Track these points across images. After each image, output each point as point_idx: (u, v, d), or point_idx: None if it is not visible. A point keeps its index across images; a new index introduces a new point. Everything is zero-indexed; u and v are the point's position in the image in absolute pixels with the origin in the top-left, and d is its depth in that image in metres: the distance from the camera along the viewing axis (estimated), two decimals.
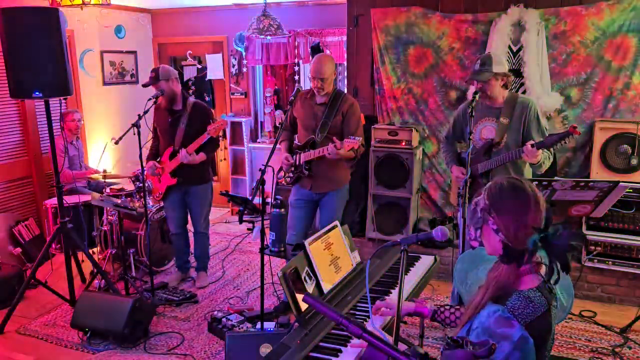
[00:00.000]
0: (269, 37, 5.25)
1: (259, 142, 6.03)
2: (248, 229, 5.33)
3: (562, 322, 3.38)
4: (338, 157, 3.13)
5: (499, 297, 1.42)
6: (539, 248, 1.38)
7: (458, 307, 1.83)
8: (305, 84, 5.74)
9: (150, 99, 3.54)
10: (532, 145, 2.74)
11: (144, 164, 3.58)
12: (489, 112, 3.03)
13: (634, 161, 3.65)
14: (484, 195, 1.50)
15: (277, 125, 5.91)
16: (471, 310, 1.48)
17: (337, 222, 2.43)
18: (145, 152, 3.78)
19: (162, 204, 4.12)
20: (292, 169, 3.40)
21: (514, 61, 3.94)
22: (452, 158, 3.35)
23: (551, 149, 2.88)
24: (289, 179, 3.45)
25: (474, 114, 2.94)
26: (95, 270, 3.83)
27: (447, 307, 1.84)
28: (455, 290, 3.19)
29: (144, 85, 3.74)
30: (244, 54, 5.77)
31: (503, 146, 2.99)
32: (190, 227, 4.06)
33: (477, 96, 2.93)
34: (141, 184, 3.80)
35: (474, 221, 1.52)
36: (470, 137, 2.93)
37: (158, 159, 3.86)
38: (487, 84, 2.93)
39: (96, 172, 4.65)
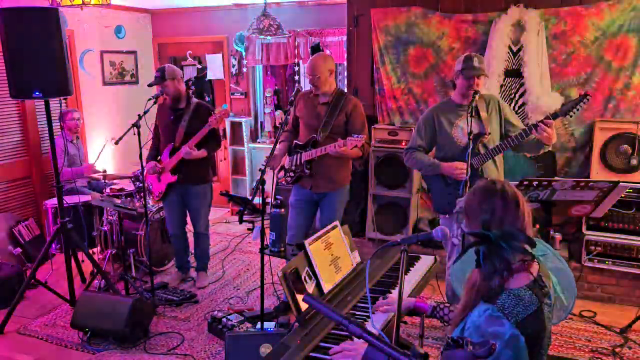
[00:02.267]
0: (269, 37, 5.25)
1: (259, 142, 6.02)
2: (248, 229, 5.33)
3: (562, 321, 3.39)
4: (343, 155, 3.12)
5: (491, 296, 1.42)
6: (485, 253, 1.39)
7: (457, 305, 1.83)
8: (305, 84, 5.74)
9: (150, 99, 3.54)
10: (549, 117, 2.72)
11: (144, 165, 3.59)
12: (464, 109, 2.97)
13: (634, 161, 3.65)
14: (465, 197, 1.52)
15: (277, 125, 5.91)
16: (460, 311, 1.48)
17: (337, 222, 2.43)
18: (145, 153, 3.78)
19: (162, 204, 4.11)
20: (293, 167, 3.40)
21: (514, 61, 3.94)
22: (434, 160, 3.11)
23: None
24: (290, 178, 3.44)
25: (447, 116, 3.03)
26: (95, 270, 3.83)
27: (447, 305, 1.85)
28: (450, 290, 3.20)
29: (150, 85, 3.74)
30: (244, 54, 5.77)
31: (489, 138, 3.00)
32: (190, 227, 4.07)
33: (476, 96, 2.92)
34: (141, 184, 3.81)
35: (456, 219, 1.54)
36: (453, 137, 3.00)
37: (158, 159, 3.86)
38: (481, 81, 2.95)
39: (93, 168, 4.61)
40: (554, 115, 2.75)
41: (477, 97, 2.92)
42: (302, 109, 3.40)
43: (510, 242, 1.37)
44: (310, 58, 3.30)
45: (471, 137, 2.84)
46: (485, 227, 1.42)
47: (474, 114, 2.90)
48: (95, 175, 4.55)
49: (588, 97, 2.71)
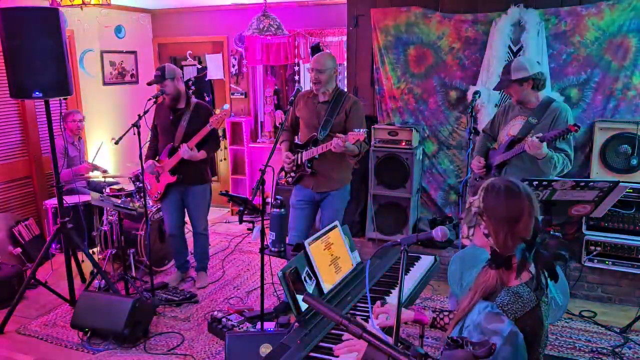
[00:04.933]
0: (269, 37, 5.25)
1: (259, 142, 6.03)
2: (248, 229, 5.34)
3: (561, 321, 3.39)
4: (343, 150, 3.12)
5: (490, 294, 1.43)
6: (526, 257, 1.39)
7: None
8: (306, 84, 5.74)
9: (150, 99, 3.54)
10: (536, 138, 2.74)
11: (143, 164, 3.58)
12: (523, 112, 3.06)
13: (634, 161, 3.65)
14: (479, 196, 1.49)
15: (277, 125, 5.92)
16: (462, 310, 1.48)
17: (337, 222, 2.43)
18: (145, 152, 3.78)
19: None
20: (294, 168, 3.40)
21: None
22: (479, 149, 3.29)
23: (569, 153, 2.91)
24: (291, 179, 3.44)
25: (508, 113, 3.09)
26: (95, 270, 3.83)
27: (446, 314, 1.83)
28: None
29: (149, 84, 3.73)
30: (244, 54, 5.77)
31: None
32: (189, 227, 4.07)
33: (476, 97, 2.95)
34: (141, 184, 3.80)
35: (467, 220, 1.52)
36: (501, 134, 3.07)
37: (157, 158, 3.86)
38: (511, 90, 2.98)
39: (91, 166, 4.61)
40: (540, 138, 2.76)
41: (477, 97, 2.95)
42: (302, 109, 3.41)
43: (548, 248, 1.39)
44: (318, 54, 3.31)
45: (471, 136, 2.86)
46: (533, 235, 1.42)
47: (473, 114, 2.91)
48: (95, 174, 4.54)
49: (572, 133, 2.70)
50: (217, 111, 3.61)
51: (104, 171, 4.56)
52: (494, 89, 3.07)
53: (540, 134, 2.78)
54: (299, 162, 3.36)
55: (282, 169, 3.49)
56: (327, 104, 3.29)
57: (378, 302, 1.98)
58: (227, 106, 3.57)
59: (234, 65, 5.91)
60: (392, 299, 2.19)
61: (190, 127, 3.70)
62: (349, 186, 3.46)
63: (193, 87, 6.14)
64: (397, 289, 1.74)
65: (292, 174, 3.42)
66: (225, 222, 5.76)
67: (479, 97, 3.11)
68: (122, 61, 5.84)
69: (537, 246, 1.40)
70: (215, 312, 3.34)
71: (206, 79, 6.10)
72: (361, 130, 2.98)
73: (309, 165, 3.31)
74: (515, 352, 1.31)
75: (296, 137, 3.56)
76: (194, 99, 3.83)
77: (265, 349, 2.48)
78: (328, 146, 3.11)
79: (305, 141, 3.34)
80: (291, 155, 3.39)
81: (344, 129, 3.24)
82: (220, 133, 5.92)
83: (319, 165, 3.31)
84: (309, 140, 3.32)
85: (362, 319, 2.04)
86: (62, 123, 4.43)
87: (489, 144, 3.31)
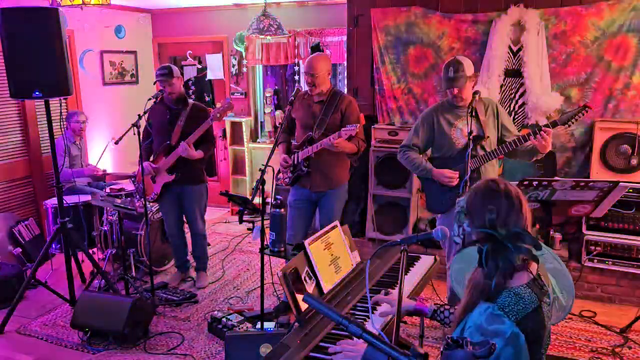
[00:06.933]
0: (269, 37, 5.24)
1: (259, 142, 6.02)
2: (248, 229, 5.33)
3: (562, 321, 3.39)
4: (339, 148, 3.12)
5: (491, 295, 1.42)
6: (487, 254, 1.39)
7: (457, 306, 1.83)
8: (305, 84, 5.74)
9: (150, 99, 3.54)
10: (548, 126, 2.75)
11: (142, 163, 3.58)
12: (462, 111, 3.00)
13: (634, 161, 3.65)
14: (466, 196, 1.53)
15: (277, 125, 5.91)
16: (461, 310, 1.48)
17: (337, 222, 2.43)
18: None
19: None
20: (291, 168, 3.41)
21: (514, 61, 3.94)
22: (426, 163, 3.12)
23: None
24: (288, 179, 3.45)
25: (446, 117, 3.05)
26: (95, 270, 3.83)
27: (447, 307, 1.84)
28: (450, 291, 3.20)
29: (156, 81, 3.73)
30: (244, 54, 5.77)
31: (487, 141, 3.01)
32: (188, 227, 4.06)
33: (476, 96, 2.93)
34: (140, 184, 3.80)
35: (456, 218, 1.54)
36: (452, 137, 3.02)
37: (151, 159, 3.85)
38: (464, 87, 2.94)
39: (96, 169, 4.62)
40: (553, 124, 2.76)
41: (477, 97, 2.93)
42: (299, 110, 3.42)
43: (516, 242, 1.38)
44: (309, 56, 3.34)
45: (471, 137, 2.85)
46: (490, 226, 1.42)
47: (473, 114, 2.91)
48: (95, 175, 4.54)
49: (587, 108, 2.73)
50: (218, 104, 3.61)
51: (104, 171, 4.55)
52: (447, 87, 3.01)
53: (549, 121, 2.78)
54: (296, 162, 3.36)
55: (280, 171, 3.49)
56: (322, 103, 3.31)
57: (382, 291, 1.98)
58: (229, 99, 3.56)
59: (234, 65, 5.91)
60: (394, 294, 2.19)
61: (187, 126, 3.70)
62: (346, 185, 3.46)
63: (193, 87, 6.14)
64: (397, 289, 1.74)
65: (290, 175, 3.43)
66: (225, 222, 5.76)
67: (479, 97, 3.11)
68: (122, 61, 5.83)
69: (499, 238, 1.39)
70: (215, 312, 3.34)
71: (206, 79, 6.10)
72: (353, 125, 2.99)
73: (305, 164, 3.32)
74: (517, 354, 1.31)
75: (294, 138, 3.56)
76: (190, 100, 3.84)
77: (265, 349, 2.48)
78: (323, 144, 3.13)
79: (302, 141, 3.35)
80: (288, 159, 3.40)
81: (339, 128, 3.25)
82: (220, 134, 5.93)
83: (316, 164, 3.31)
84: (304, 140, 3.32)
85: (362, 319, 2.05)
86: (64, 123, 4.42)
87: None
